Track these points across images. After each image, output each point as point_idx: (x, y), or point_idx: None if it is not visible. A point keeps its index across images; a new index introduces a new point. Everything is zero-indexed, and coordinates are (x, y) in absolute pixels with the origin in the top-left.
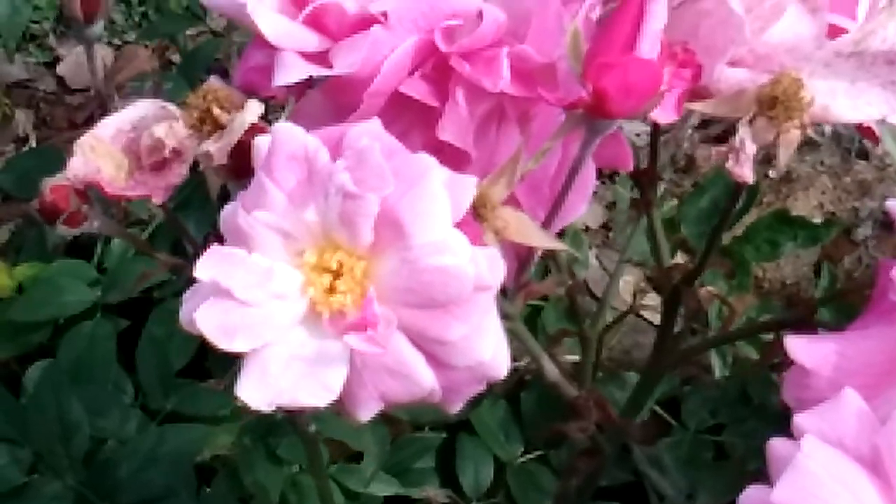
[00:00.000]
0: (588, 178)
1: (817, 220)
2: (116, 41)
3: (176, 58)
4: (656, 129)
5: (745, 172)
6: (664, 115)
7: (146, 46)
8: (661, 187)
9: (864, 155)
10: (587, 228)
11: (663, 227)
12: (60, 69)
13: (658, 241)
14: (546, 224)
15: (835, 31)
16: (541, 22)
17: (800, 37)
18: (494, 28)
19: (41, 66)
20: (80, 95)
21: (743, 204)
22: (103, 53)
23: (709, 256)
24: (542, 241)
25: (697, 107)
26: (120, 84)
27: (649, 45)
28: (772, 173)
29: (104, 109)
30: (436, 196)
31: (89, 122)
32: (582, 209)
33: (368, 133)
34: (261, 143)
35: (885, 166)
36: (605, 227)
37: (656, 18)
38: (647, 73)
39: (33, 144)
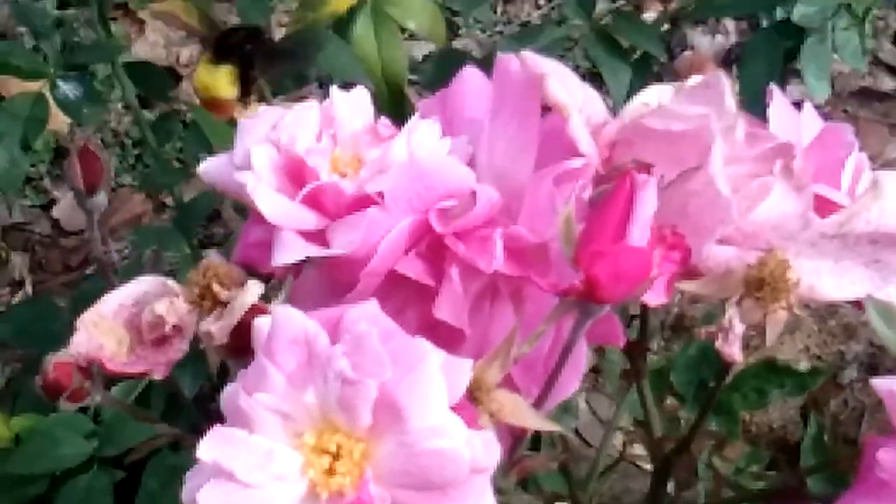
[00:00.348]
0: (580, 356)
1: (803, 363)
2: (111, 183)
3: (170, 200)
4: (645, 307)
5: (734, 351)
6: (655, 297)
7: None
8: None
9: None
10: None
11: (652, 378)
12: (56, 212)
13: (648, 410)
14: (540, 401)
15: (819, 202)
16: (533, 201)
17: (786, 215)
18: (488, 208)
19: (36, 208)
20: (75, 238)
21: None
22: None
23: (701, 425)
24: (537, 423)
25: (687, 287)
26: (114, 227)
27: (640, 233)
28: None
29: (98, 253)
30: (433, 381)
31: (84, 265)
32: (575, 385)
33: (366, 317)
34: (261, 325)
35: None
36: (594, 370)
37: (646, 205)
38: (638, 261)
39: (29, 289)
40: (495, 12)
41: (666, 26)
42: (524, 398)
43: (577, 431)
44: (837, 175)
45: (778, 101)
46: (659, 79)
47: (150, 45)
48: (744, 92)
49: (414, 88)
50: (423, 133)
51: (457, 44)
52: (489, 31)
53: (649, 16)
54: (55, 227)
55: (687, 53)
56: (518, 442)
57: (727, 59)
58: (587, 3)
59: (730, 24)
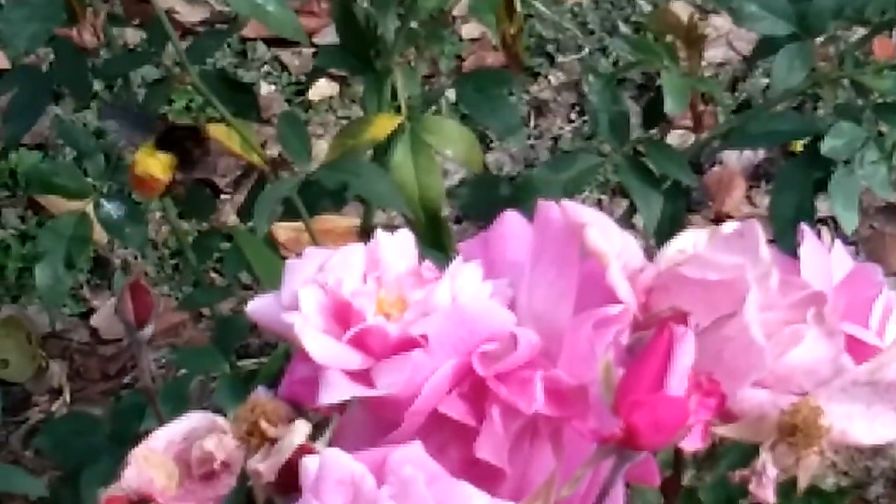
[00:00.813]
0: (618, 498)
1: (830, 479)
2: None
3: (207, 310)
4: (678, 458)
5: (768, 494)
6: (692, 443)
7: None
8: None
9: None
10: None
11: (684, 498)
12: (94, 320)
13: None
14: None
15: (849, 341)
16: (572, 345)
17: (818, 360)
18: (528, 351)
19: (75, 317)
20: (113, 346)
21: None
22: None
23: None
24: None
25: (723, 431)
26: (152, 337)
27: (678, 383)
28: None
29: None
30: None
31: (122, 373)
32: None
33: (412, 460)
34: (309, 464)
35: None
36: None
37: (684, 357)
38: (676, 411)
39: (67, 397)
40: (527, 125)
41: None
42: None
43: None
44: (867, 314)
45: (809, 242)
46: (688, 192)
47: None
48: (775, 222)
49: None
50: (465, 277)
51: (489, 157)
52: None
53: (676, 133)
54: (93, 335)
55: (716, 168)
56: None
57: (755, 175)
58: (621, 131)
59: None
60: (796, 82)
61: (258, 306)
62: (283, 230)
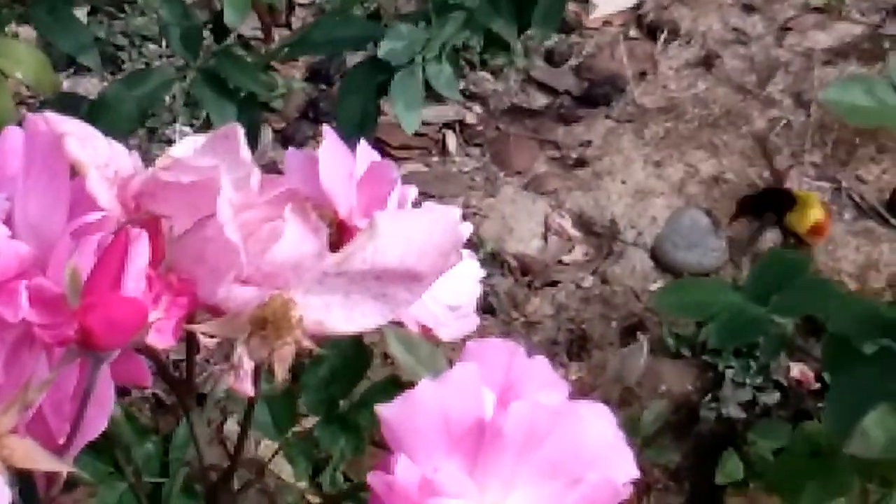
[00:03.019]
0: (105, 396)
1: None
2: None
3: None
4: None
5: (246, 387)
6: (163, 340)
7: None
8: None
9: None
10: None
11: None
12: None
13: (198, 440)
14: (69, 441)
15: None
16: (58, 254)
17: (303, 255)
18: (16, 262)
19: None
20: None
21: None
22: None
23: (238, 453)
24: (51, 465)
25: (198, 328)
26: None
27: (134, 283)
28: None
29: None
30: None
31: None
32: (103, 423)
33: None
34: None
35: None
36: None
37: (139, 258)
38: (131, 310)
39: None
40: (160, 45)
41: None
42: (59, 437)
43: None
44: (384, 208)
45: (328, 141)
46: (316, 104)
47: None
48: (340, 125)
49: None
50: None
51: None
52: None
53: None
54: None
55: None
56: (52, 482)
57: None
58: (193, 45)
59: None
60: None
61: None
62: None
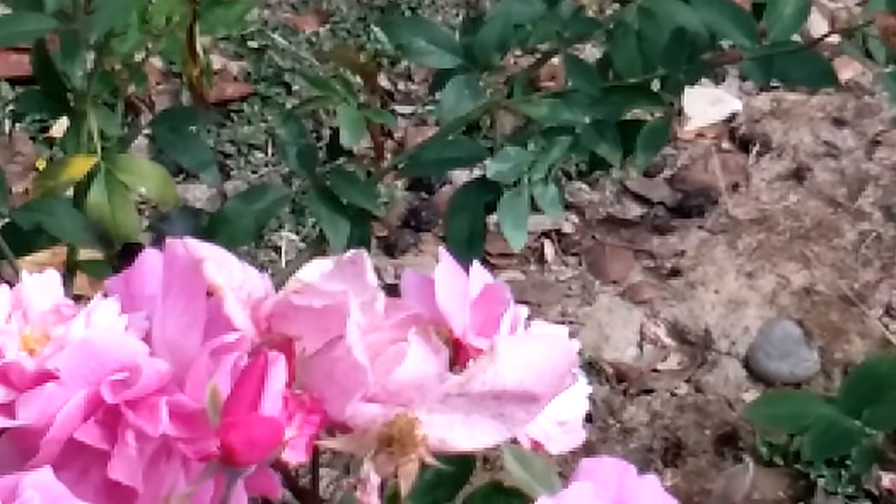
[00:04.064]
0: None
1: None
2: None
3: None
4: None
5: (372, 500)
6: (296, 456)
7: None
8: None
9: None
10: None
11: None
12: None
13: None
14: None
15: (480, 355)
16: (195, 372)
17: (426, 375)
18: (156, 378)
19: None
20: None
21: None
22: None
23: None
24: None
25: (329, 444)
26: None
27: (271, 403)
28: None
29: None
30: None
31: None
32: None
33: (35, 484)
34: None
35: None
36: None
37: (276, 379)
38: (269, 429)
39: None
40: (265, 153)
41: None
42: None
43: None
44: (497, 329)
45: (444, 263)
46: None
47: None
48: (450, 243)
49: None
50: (102, 311)
51: (228, 185)
52: (260, 171)
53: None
54: None
55: (446, 188)
56: None
57: None
58: (308, 162)
59: None
60: (465, 111)
61: None
62: (27, 264)
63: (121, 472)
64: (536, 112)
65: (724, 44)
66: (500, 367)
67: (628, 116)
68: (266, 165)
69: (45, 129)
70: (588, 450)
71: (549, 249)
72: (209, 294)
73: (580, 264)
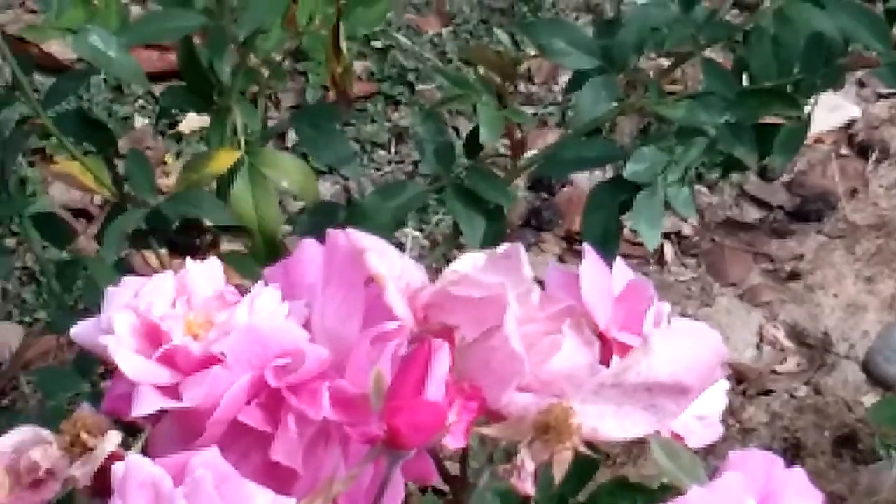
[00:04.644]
0: (396, 491)
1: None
2: (27, 319)
3: None
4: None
5: (527, 486)
6: (455, 441)
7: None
8: None
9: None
10: None
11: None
12: None
13: None
14: None
15: (624, 348)
16: (356, 358)
17: (577, 366)
18: (317, 364)
19: None
20: None
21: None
22: (13, 331)
23: None
24: None
25: (487, 431)
26: (30, 361)
27: (435, 388)
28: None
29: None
30: None
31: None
32: None
33: (204, 463)
34: (117, 469)
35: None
36: None
37: (440, 365)
38: (433, 413)
39: None
40: (388, 151)
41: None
42: None
43: None
44: (640, 324)
45: (588, 259)
46: (539, 213)
47: (66, 188)
48: (585, 238)
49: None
50: (264, 299)
51: (352, 182)
52: (383, 169)
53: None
54: None
55: (567, 189)
56: None
57: None
58: (445, 159)
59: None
60: (601, 112)
61: (80, 330)
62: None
63: (282, 453)
64: (674, 114)
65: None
66: (654, 360)
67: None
68: (389, 164)
69: (174, 125)
70: (707, 449)
71: (668, 251)
72: (366, 283)
73: (699, 266)
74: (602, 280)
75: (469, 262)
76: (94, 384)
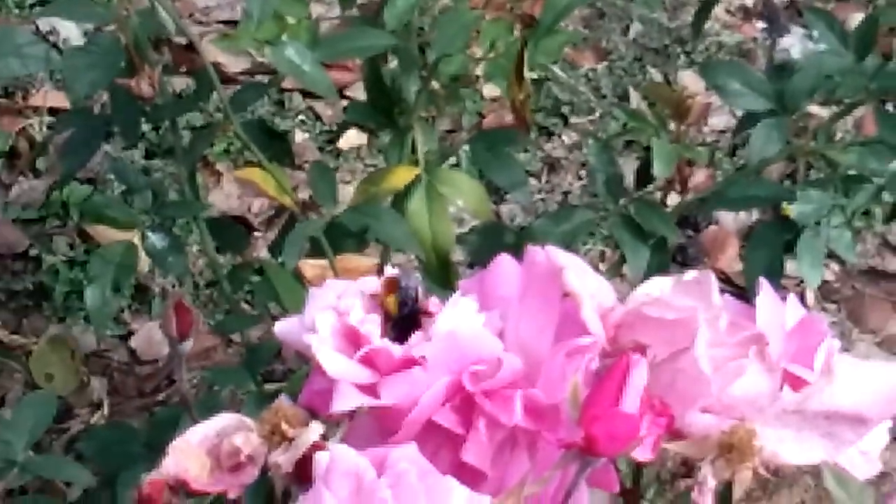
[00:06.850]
0: (582, 497)
1: None
2: None
3: (237, 337)
4: (639, 466)
5: (706, 502)
6: (643, 454)
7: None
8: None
9: None
10: None
11: None
12: (133, 342)
13: None
14: None
15: (795, 379)
16: (549, 370)
17: (759, 392)
18: (511, 373)
19: (116, 338)
20: (149, 367)
21: None
22: None
23: None
24: None
25: (672, 447)
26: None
27: (631, 402)
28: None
29: (184, 391)
30: None
31: (156, 391)
32: None
33: (407, 458)
34: (321, 458)
35: None
36: None
37: (638, 380)
38: (629, 424)
39: (106, 411)
40: (539, 181)
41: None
42: None
43: None
44: (812, 357)
45: (765, 293)
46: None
47: (226, 195)
48: (747, 278)
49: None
50: (462, 309)
51: (504, 208)
52: (534, 198)
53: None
54: (132, 356)
55: (712, 227)
56: None
57: (748, 235)
58: (615, 189)
59: None
60: (772, 153)
61: (284, 327)
62: (310, 267)
63: (473, 455)
64: (845, 159)
65: None
66: (837, 389)
67: None
68: (539, 192)
69: (331, 141)
70: None
71: (810, 295)
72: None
73: (839, 311)
74: (776, 313)
75: (657, 286)
76: (258, 385)
